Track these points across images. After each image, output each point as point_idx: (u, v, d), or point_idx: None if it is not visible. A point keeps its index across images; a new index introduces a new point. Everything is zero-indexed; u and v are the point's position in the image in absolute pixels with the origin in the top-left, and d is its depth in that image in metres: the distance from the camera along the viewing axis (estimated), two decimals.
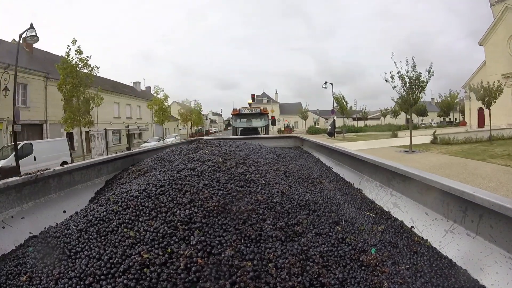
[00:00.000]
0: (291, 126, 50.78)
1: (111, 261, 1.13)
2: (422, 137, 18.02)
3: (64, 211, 1.91)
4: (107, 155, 3.55)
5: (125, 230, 1.29)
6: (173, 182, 1.68)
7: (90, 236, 1.30)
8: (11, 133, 13.64)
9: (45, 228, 1.53)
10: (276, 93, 63.92)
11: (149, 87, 40.84)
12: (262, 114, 12.68)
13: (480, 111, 27.26)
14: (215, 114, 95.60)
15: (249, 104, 13.83)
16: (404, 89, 13.18)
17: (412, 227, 1.55)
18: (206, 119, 69.05)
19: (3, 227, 1.53)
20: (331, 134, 26.05)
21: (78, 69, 15.66)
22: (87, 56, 16.14)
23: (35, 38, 11.03)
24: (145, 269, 1.08)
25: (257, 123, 12.47)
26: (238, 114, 12.72)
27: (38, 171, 1.87)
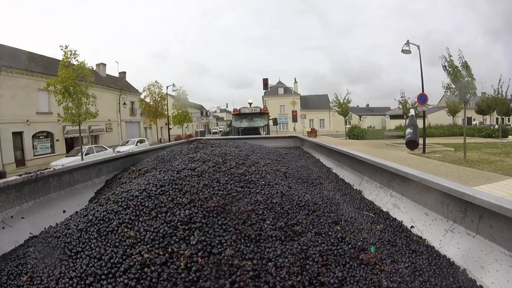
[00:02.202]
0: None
1: (111, 261, 1.13)
2: None
3: (64, 211, 1.91)
4: None
5: (125, 230, 1.30)
6: (173, 182, 1.69)
7: (91, 236, 1.30)
8: None
9: (45, 228, 1.53)
10: (296, 82, 45.72)
11: (124, 73, 29.85)
12: (262, 114, 12.68)
13: None
14: (223, 111, 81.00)
15: (249, 104, 13.80)
16: None
17: (412, 227, 1.56)
18: (207, 115, 57.19)
19: (3, 227, 1.53)
20: (414, 143, 13.22)
21: None
22: None
23: None
24: (145, 269, 1.09)
25: (257, 122, 12.45)
26: (238, 114, 12.71)
27: (38, 170, 1.88)
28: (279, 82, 46.21)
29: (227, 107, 59.62)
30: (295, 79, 48.54)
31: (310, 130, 30.06)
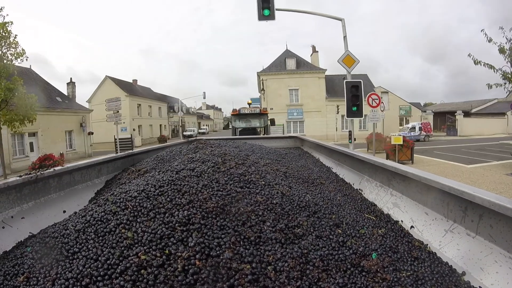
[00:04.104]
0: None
1: (108, 262, 1.12)
2: None
3: (64, 211, 1.91)
4: None
5: (123, 231, 1.28)
6: (172, 183, 1.67)
7: (88, 237, 1.29)
8: None
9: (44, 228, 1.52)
10: (316, 51, 27.75)
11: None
12: (262, 114, 12.68)
13: None
14: (211, 108, 70.57)
15: (249, 104, 13.78)
16: None
17: (412, 227, 1.56)
18: (175, 111, 37.13)
19: (3, 227, 1.53)
20: None
21: None
22: None
23: None
24: (142, 271, 1.07)
25: (256, 123, 12.46)
26: (237, 115, 12.72)
27: (38, 171, 1.87)
28: (288, 51, 27.14)
29: (204, 97, 34.54)
30: (313, 48, 27.38)
31: (395, 140, 11.38)
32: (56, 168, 2.04)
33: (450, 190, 1.26)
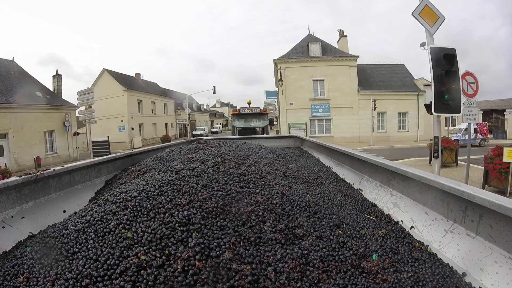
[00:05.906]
0: None
1: (108, 262, 1.11)
2: None
3: (64, 211, 1.90)
4: None
5: (122, 231, 1.28)
6: (171, 183, 1.67)
7: (88, 237, 1.28)
8: None
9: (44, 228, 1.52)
10: (344, 35, 22.84)
11: None
12: (262, 114, 12.71)
13: None
14: (225, 105, 64.14)
15: (249, 104, 13.84)
16: None
17: (412, 227, 1.55)
18: (182, 108, 33.25)
19: (3, 227, 1.52)
20: None
21: None
22: None
23: None
24: (142, 271, 1.07)
25: (256, 123, 12.49)
26: (237, 114, 12.77)
27: (38, 171, 1.87)
28: (310, 36, 22.79)
29: (214, 92, 27.49)
30: (341, 32, 22.84)
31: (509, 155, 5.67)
32: (56, 168, 2.04)
33: (450, 190, 1.26)
